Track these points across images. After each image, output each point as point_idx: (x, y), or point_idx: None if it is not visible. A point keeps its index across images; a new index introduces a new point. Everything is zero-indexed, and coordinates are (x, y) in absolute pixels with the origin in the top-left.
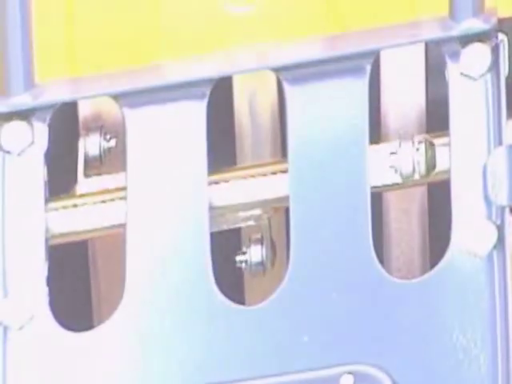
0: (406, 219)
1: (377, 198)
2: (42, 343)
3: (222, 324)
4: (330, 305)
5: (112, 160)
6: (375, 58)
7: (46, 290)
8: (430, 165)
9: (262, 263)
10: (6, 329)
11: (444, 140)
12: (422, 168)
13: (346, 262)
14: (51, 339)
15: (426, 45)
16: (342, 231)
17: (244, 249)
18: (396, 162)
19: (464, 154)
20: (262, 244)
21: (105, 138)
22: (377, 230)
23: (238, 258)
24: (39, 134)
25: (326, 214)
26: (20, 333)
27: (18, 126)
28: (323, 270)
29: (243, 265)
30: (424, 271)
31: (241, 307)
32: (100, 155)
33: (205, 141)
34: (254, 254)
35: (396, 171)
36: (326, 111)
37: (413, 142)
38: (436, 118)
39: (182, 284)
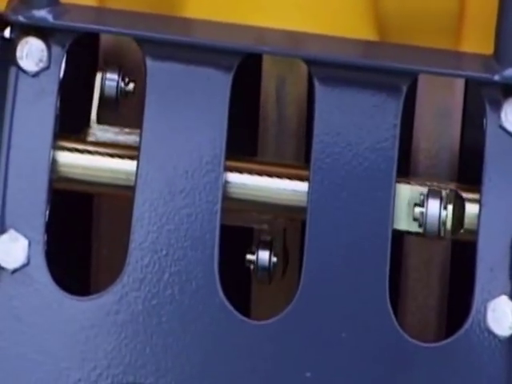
0: (426, 270)
1: (397, 243)
2: (32, 293)
3: (221, 329)
4: (338, 345)
5: (128, 108)
6: (413, 81)
7: (44, 237)
8: (457, 224)
9: (268, 270)
10: None
11: (475, 196)
12: (448, 227)
13: (358, 301)
14: (41, 292)
15: (467, 83)
16: (358, 262)
17: (254, 249)
18: (421, 216)
19: (494, 218)
20: (270, 250)
21: (123, 80)
22: (394, 277)
23: (248, 256)
24: (56, 59)
25: (342, 239)
26: (12, 277)
27: (35, 43)
28: (334, 301)
29: (251, 266)
30: (439, 328)
31: (245, 319)
32: (116, 97)
33: (226, 116)
34: (262, 258)
35: (420, 226)
36: (356, 125)
37: (441, 199)
38: (469, 165)
39: (186, 266)
